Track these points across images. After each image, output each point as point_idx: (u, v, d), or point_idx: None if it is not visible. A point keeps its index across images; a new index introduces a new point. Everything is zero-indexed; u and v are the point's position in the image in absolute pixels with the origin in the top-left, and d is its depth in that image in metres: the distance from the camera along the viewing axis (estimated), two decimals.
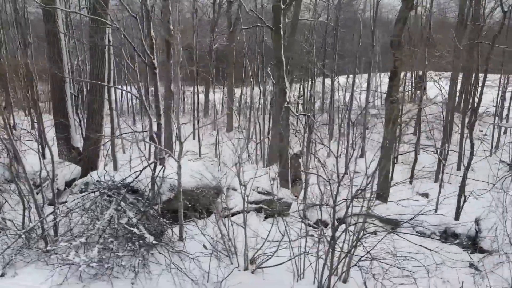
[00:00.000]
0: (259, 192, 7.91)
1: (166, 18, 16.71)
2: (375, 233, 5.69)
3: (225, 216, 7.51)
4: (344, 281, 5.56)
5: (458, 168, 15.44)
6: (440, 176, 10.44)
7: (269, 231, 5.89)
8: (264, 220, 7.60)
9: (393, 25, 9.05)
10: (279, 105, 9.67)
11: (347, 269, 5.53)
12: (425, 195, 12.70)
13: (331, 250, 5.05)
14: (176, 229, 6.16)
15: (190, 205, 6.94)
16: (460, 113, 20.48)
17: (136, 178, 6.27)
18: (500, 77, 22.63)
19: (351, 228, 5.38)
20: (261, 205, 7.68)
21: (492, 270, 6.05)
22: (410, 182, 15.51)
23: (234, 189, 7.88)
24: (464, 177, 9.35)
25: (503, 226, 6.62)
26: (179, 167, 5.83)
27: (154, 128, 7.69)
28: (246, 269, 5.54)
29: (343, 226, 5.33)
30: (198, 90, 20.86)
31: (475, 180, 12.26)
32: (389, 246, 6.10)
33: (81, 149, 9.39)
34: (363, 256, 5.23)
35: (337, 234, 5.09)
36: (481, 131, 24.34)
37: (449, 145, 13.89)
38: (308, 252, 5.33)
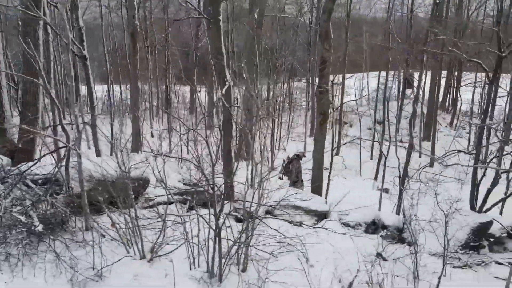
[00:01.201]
0: (184, 184, 7.87)
1: (131, 13, 16.65)
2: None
3: (146, 207, 7.52)
4: (243, 270, 5.51)
5: (431, 165, 15.70)
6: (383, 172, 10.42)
7: (173, 221, 5.86)
8: (187, 212, 7.55)
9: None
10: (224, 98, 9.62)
11: (245, 257, 5.50)
12: (386, 190, 12.76)
13: (217, 238, 5.00)
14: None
15: (107, 196, 6.87)
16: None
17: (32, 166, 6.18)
18: (476, 76, 22.81)
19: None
20: (185, 196, 7.63)
21: (396, 259, 6.04)
22: (375, 178, 15.71)
23: (162, 181, 7.84)
24: (405, 172, 9.37)
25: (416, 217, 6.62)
26: (79, 155, 5.77)
27: (85, 121, 7.63)
28: (143, 257, 5.49)
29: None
30: (169, 88, 20.75)
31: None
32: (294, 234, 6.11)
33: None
34: (243, 243, 5.20)
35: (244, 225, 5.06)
36: (464, 128, 24.44)
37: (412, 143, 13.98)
38: (192, 241, 5.28)
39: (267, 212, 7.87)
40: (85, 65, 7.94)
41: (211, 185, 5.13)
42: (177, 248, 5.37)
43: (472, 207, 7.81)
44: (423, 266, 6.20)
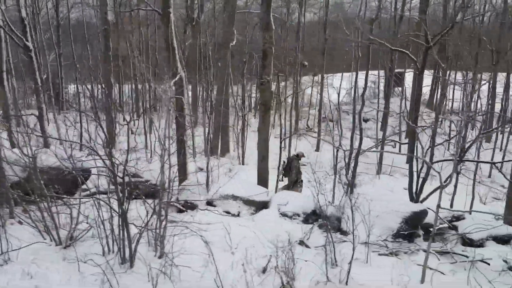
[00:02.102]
0: (127, 175, 7.89)
1: (103, 9, 16.65)
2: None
3: (83, 197, 7.55)
4: (160, 256, 5.56)
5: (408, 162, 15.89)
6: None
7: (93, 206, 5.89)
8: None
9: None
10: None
11: (161, 242, 5.55)
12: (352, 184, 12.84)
13: (124, 223, 5.05)
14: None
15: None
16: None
17: None
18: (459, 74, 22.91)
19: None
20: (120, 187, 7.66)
21: (315, 246, 6.10)
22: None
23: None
24: (356, 164, 9.43)
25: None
26: None
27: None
28: (59, 244, 5.53)
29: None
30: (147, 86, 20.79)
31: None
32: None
33: None
34: (155, 229, 5.25)
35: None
36: (449, 126, 24.53)
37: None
38: (104, 226, 5.33)
39: (208, 203, 7.95)
40: (29, 58, 7.95)
41: (116, 170, 5.16)
42: (86, 232, 5.42)
43: (412, 198, 7.88)
44: (347, 253, 6.29)
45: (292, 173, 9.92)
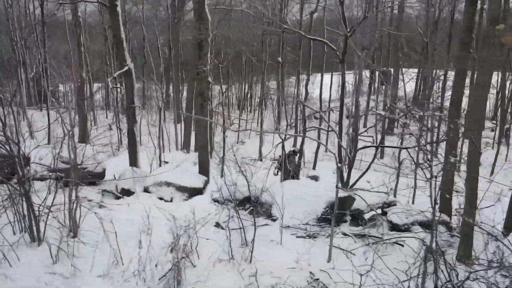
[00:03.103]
0: (61, 162, 8.08)
1: (73, 6, 16.85)
2: None
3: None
4: (74, 236, 5.75)
5: (381, 157, 16.08)
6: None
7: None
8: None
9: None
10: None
11: (73, 222, 5.74)
12: (314, 178, 13.04)
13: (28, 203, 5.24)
14: None
15: None
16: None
17: None
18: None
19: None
20: (58, 173, 7.85)
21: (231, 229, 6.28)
22: (314, 168, 16.03)
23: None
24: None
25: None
26: None
27: None
28: None
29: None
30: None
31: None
32: None
33: None
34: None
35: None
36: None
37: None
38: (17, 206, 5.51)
39: (145, 190, 8.14)
40: None
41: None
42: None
43: (343, 185, 8.09)
44: (265, 235, 6.51)
45: (290, 166, 10.05)
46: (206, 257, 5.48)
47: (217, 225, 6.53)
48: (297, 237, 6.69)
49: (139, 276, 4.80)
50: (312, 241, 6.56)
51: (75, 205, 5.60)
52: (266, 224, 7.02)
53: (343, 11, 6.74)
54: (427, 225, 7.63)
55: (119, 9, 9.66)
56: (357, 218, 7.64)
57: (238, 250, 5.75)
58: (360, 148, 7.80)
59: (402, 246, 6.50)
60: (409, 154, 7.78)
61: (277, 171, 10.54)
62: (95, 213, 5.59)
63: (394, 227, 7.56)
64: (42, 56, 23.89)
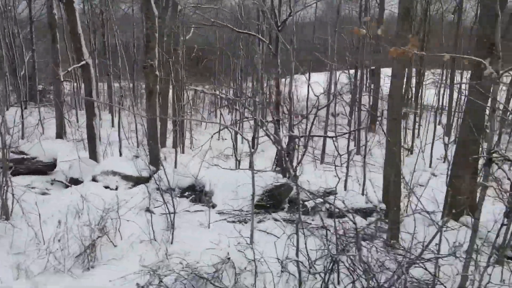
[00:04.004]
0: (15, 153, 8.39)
1: (48, 4, 17.06)
2: None
3: None
4: (6, 219, 6.04)
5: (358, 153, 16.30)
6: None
7: None
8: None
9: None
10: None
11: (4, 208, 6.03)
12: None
13: None
14: None
15: None
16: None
17: None
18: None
19: None
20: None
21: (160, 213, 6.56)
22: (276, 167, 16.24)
23: None
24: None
25: None
26: None
27: None
28: None
29: None
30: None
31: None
32: None
33: None
34: None
35: None
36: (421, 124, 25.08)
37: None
38: None
39: (93, 179, 8.43)
40: None
41: None
42: None
43: (284, 174, 8.38)
44: (196, 220, 6.82)
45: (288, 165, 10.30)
46: (128, 239, 5.77)
47: (147, 210, 6.82)
48: (228, 222, 6.98)
49: (54, 254, 5.08)
50: (241, 226, 6.84)
51: (5, 189, 5.90)
52: (201, 210, 7.31)
53: (274, 10, 7.02)
54: (365, 213, 7.99)
55: (75, 5, 9.95)
56: (295, 206, 7.93)
57: (161, 232, 6.04)
58: (295, 138, 8.11)
59: (329, 231, 6.78)
60: (333, 143, 8.11)
61: (275, 168, 10.69)
62: (22, 199, 5.89)
63: (330, 214, 7.86)
64: (30, 55, 24.10)
